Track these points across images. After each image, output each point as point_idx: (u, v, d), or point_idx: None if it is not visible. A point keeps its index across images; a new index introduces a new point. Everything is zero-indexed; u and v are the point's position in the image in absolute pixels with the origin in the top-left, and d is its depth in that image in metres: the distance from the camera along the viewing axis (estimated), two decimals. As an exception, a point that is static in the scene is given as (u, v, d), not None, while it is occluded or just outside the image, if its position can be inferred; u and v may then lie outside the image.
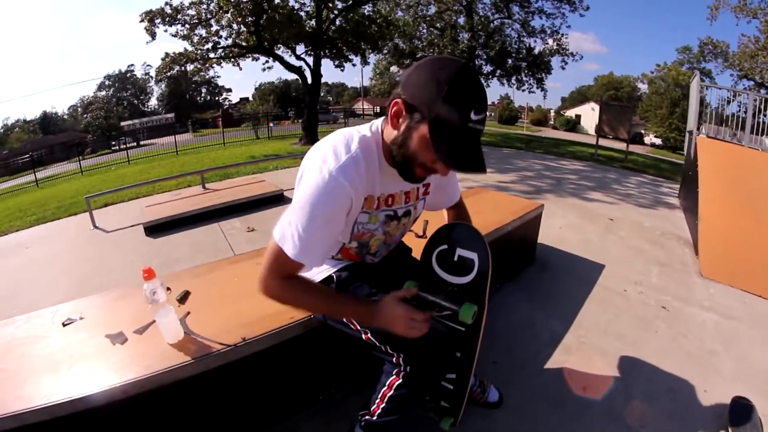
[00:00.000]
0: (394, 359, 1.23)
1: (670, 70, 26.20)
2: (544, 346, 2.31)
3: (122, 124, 37.66)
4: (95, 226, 5.18)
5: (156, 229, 4.61)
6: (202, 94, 53.30)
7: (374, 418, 1.33)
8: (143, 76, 48.06)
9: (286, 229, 1.06)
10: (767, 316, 2.75)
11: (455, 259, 1.30)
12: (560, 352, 2.26)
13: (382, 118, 1.15)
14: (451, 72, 0.94)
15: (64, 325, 1.53)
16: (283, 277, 1.10)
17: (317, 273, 1.37)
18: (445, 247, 1.32)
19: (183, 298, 1.70)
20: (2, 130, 46.54)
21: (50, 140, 38.46)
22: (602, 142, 11.90)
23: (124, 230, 4.89)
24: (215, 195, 5.51)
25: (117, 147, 27.94)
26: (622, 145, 11.69)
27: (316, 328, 1.50)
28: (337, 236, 1.17)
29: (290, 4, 12.92)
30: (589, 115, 30.86)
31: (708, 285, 3.17)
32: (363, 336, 1.28)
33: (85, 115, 43.60)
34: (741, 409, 1.82)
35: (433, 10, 17.99)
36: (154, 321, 1.44)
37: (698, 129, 6.24)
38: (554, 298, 2.86)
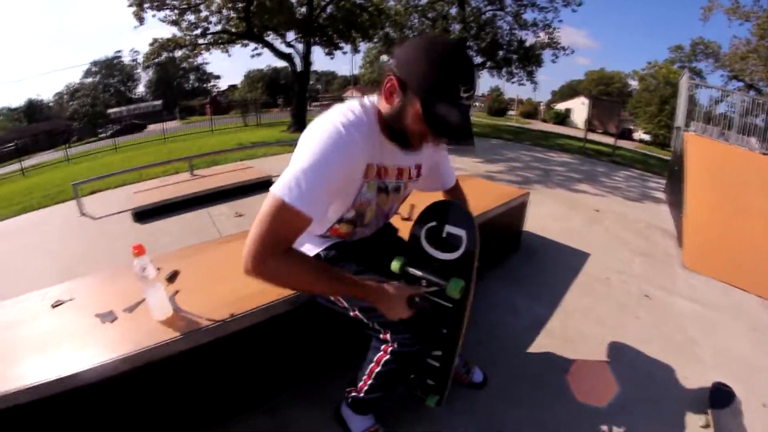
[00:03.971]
0: (381, 335, 1.27)
1: (661, 68, 26.38)
2: (527, 329, 2.37)
3: (109, 111, 36.98)
4: (83, 213, 5.12)
5: (144, 215, 4.59)
6: (191, 81, 52.15)
7: (361, 394, 1.37)
8: (131, 63, 46.95)
9: (287, 176, 1.00)
10: (747, 308, 2.84)
11: (444, 235, 1.33)
12: (543, 336, 2.32)
13: (374, 95, 1.16)
14: (443, 51, 0.99)
15: (53, 306, 1.53)
16: (278, 242, 1.00)
17: (304, 250, 1.38)
18: (434, 223, 1.35)
19: (172, 277, 1.71)
20: None
21: (36, 128, 37.61)
22: (592, 136, 12.02)
23: (112, 216, 4.85)
24: (203, 181, 5.50)
25: (104, 134, 27.55)
26: (611, 140, 11.77)
27: (304, 304, 1.52)
28: (338, 197, 1.16)
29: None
30: (579, 109, 31.04)
31: (690, 276, 3.26)
32: (351, 313, 1.31)
33: (71, 103, 42.79)
34: (721, 395, 1.87)
35: (425, 0, 17.89)
36: (144, 299, 1.44)
37: (686, 126, 6.34)
38: (538, 284, 2.91)
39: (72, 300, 1.56)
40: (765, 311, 2.82)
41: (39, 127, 37.51)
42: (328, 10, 14.05)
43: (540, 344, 2.25)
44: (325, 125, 1.04)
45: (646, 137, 29.29)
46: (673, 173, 5.82)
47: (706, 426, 1.75)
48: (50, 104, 47.54)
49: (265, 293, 1.52)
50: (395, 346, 1.25)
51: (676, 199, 4.79)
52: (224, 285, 1.61)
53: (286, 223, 0.99)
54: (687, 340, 2.40)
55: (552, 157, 9.55)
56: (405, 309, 1.15)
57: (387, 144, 1.16)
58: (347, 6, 13.99)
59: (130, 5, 11.79)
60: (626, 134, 28.27)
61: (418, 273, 1.27)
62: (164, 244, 3.78)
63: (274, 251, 0.99)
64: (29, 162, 18.45)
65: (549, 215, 4.56)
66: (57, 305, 1.53)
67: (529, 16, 18.23)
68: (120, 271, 1.76)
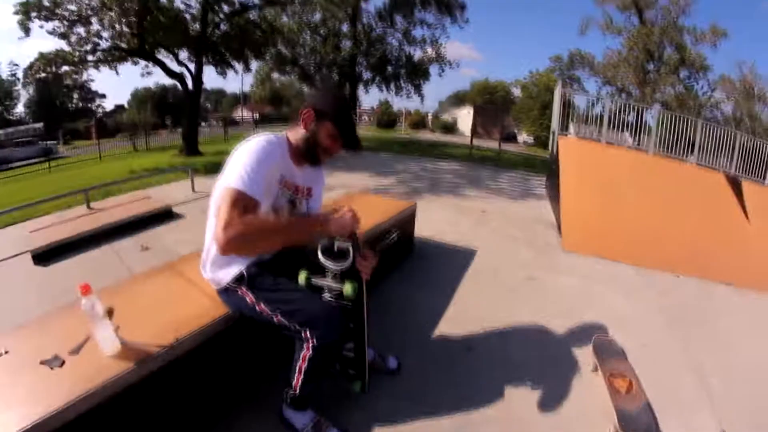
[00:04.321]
0: (303, 334, 1.55)
1: (542, 77, 29.11)
2: (429, 319, 2.75)
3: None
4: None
5: (45, 256, 4.31)
6: (74, 101, 46.56)
7: (297, 391, 1.64)
8: (9, 78, 40.32)
9: (235, 174, 1.41)
10: (619, 275, 3.53)
11: (335, 249, 1.65)
12: (444, 323, 2.72)
13: (284, 131, 1.70)
14: (340, 96, 1.81)
15: None
16: (241, 213, 1.33)
17: (229, 271, 1.65)
18: (325, 242, 1.66)
19: (109, 313, 1.77)
20: None
21: None
22: (479, 142, 13.02)
23: (10, 260, 4.51)
24: (102, 215, 5.24)
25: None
26: (497, 145, 12.85)
27: (238, 320, 1.75)
28: (269, 182, 1.53)
29: (176, 5, 12.32)
30: (465, 118, 32.72)
31: (569, 257, 3.92)
32: (275, 319, 1.59)
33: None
34: (601, 343, 2.41)
35: (318, 16, 18.21)
36: (88, 338, 1.50)
37: (562, 129, 7.25)
38: (433, 281, 3.32)
39: (6, 353, 1.50)
40: (638, 276, 3.53)
41: None
42: (222, 27, 13.81)
43: (442, 330, 2.64)
44: (255, 142, 1.51)
45: (530, 140, 31.97)
46: (552, 172, 6.69)
47: (595, 369, 2.25)
48: None
49: (201, 316, 1.71)
50: (315, 341, 1.52)
51: (554, 194, 5.59)
52: (161, 315, 1.73)
53: (240, 201, 1.36)
54: (572, 308, 2.91)
55: (440, 166, 10.21)
56: (349, 223, 1.55)
57: (292, 165, 1.67)
58: (241, 23, 13.85)
59: (16, 12, 10.59)
60: (511, 138, 30.63)
61: (320, 282, 1.66)
62: (71, 285, 3.62)
63: (238, 226, 1.31)
64: None
65: (439, 221, 5.02)
66: None
67: (418, 32, 19.19)
68: (50, 316, 1.76)
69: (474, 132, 12.29)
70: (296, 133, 1.67)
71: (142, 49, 12.25)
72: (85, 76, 12.97)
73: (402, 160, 11.00)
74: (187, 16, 12.88)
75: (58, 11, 11.01)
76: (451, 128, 36.64)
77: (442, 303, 2.97)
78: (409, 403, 2.00)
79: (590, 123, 7.76)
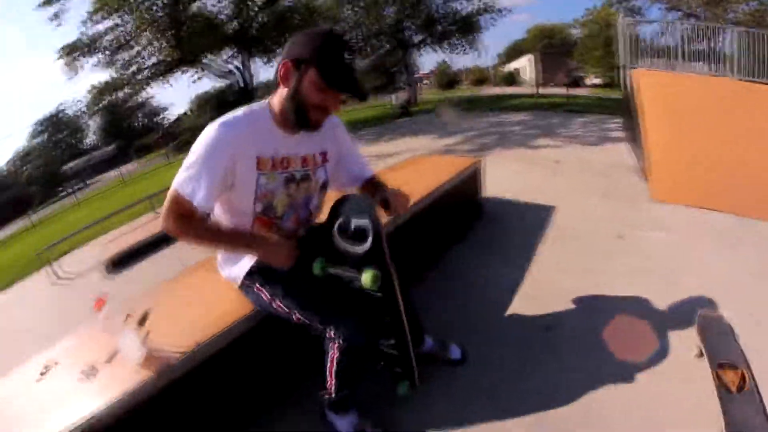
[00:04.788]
0: (327, 334, 1.31)
1: (600, 13, 26.79)
2: (501, 295, 2.32)
3: (64, 168, 35.81)
4: (58, 278, 5.06)
5: (116, 264, 4.53)
6: (140, 119, 50.74)
7: (333, 395, 1.40)
8: (75, 114, 45.37)
9: (178, 174, 1.26)
10: (720, 227, 2.86)
11: (352, 228, 1.35)
12: (519, 299, 2.27)
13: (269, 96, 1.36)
14: (323, 31, 1.25)
15: (42, 374, 1.55)
16: (177, 216, 1.26)
17: (240, 266, 1.47)
18: (341, 219, 1.37)
19: (143, 319, 1.70)
20: None
21: None
22: (544, 90, 12.15)
23: (86, 273, 4.78)
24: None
25: (64, 192, 26.81)
26: (564, 92, 11.93)
27: (265, 318, 1.53)
28: (221, 178, 1.26)
29: (207, 10, 12.59)
30: (527, 67, 31.24)
31: (660, 207, 3.29)
32: (293, 318, 1.36)
33: (24, 168, 41.30)
34: (708, 321, 1.85)
35: (354, -12, 17.76)
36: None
37: (631, 63, 6.44)
38: (506, 248, 2.88)
39: (57, 364, 1.59)
40: (741, 227, 2.83)
41: (-2, 199, 36.23)
42: (260, 18, 13.87)
43: (516, 308, 2.21)
44: (206, 130, 1.25)
45: (598, 81, 29.78)
46: (627, 111, 5.93)
47: (700, 355, 1.72)
48: (4, 174, 45.78)
49: (225, 316, 1.54)
50: (341, 342, 1.29)
51: (634, 135, 4.88)
52: (190, 316, 1.64)
53: (177, 201, 1.25)
54: (668, 271, 2.36)
55: (507, 118, 9.61)
56: (286, 259, 1.32)
57: (283, 135, 1.34)
58: (277, 11, 13.84)
59: (60, 57, 11.48)
60: (578, 82, 28.62)
61: (338, 272, 1.34)
62: (138, 288, 3.72)
63: (176, 218, 1.26)
64: (-2, 236, 17.92)
65: (509, 176, 4.58)
66: (45, 372, 1.55)
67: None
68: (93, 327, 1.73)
69: (538, 80, 11.41)
70: (279, 96, 1.30)
71: (184, 59, 12.68)
72: (144, 95, 13.69)
73: (466, 118, 10.40)
74: (222, 17, 13.07)
75: (97, 45, 11.76)
76: (513, 80, 35.02)
77: (516, 275, 2.52)
78: (472, 402, 1.66)
79: (660, 56, 6.79)
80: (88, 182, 29.49)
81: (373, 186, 1.57)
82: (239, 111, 1.30)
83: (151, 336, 1.54)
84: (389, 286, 1.37)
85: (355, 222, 1.33)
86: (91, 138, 47.93)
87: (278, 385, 1.79)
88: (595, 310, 2.11)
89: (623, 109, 6.60)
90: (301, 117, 1.26)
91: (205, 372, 1.49)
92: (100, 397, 1.31)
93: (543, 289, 2.33)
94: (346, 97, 1.30)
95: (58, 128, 45.73)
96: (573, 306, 2.17)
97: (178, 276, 2.14)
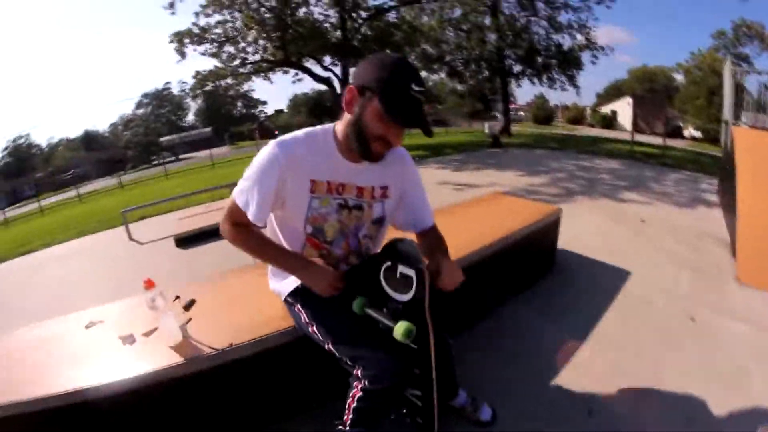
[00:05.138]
0: (354, 371, 1.27)
1: (705, 58, 24.96)
2: (551, 363, 2.14)
3: (161, 139, 39.06)
4: (131, 239, 5.43)
5: (186, 241, 4.80)
6: (238, 108, 54.37)
7: (346, 428, 1.35)
8: (180, 93, 49.50)
9: (238, 182, 1.32)
10: None
11: (398, 276, 1.28)
12: (569, 370, 2.09)
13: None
14: (393, 59, 1.20)
15: (86, 327, 1.71)
16: (233, 223, 1.35)
17: (286, 283, 1.50)
18: (389, 263, 1.31)
19: (188, 305, 1.78)
20: (47, 149, 49.32)
21: (92, 157, 40.59)
22: (640, 137, 11.46)
23: (157, 242, 5.11)
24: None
25: (157, 161, 29.07)
26: (660, 140, 11.18)
27: (300, 338, 1.53)
28: (273, 195, 1.28)
29: (314, 16, 13.20)
30: (625, 110, 29.67)
31: (745, 292, 2.88)
32: (326, 347, 1.34)
33: (125, 133, 45.81)
34: None
35: (458, 12, 17.92)
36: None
37: (735, 118, 5.89)
38: (570, 309, 2.67)
39: (102, 322, 1.75)
40: None
41: (95, 156, 40.58)
42: (363, 31, 14.32)
43: (564, 378, 2.03)
44: (264, 148, 1.28)
45: (698, 134, 27.62)
46: (725, 172, 5.40)
47: None
48: (105, 134, 50.97)
49: (266, 324, 1.58)
50: (365, 383, 1.24)
51: (729, 201, 4.40)
52: (232, 315, 1.69)
53: (233, 210, 1.34)
54: (737, 370, 2.07)
55: (598, 164, 9.14)
56: (327, 288, 1.33)
57: (343, 160, 1.31)
58: (381, 26, 14.21)
59: (171, 42, 12.57)
60: (676, 132, 26.71)
61: (374, 314, 1.29)
62: (201, 269, 3.91)
63: (231, 225, 1.36)
64: (86, 189, 19.77)
65: (590, 229, 4.30)
66: (90, 326, 1.73)
67: (563, 18, 17.84)
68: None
69: (635, 126, 10.79)
70: (343, 122, 1.27)
71: (287, 60, 13.40)
72: (246, 87, 14.59)
73: (557, 158, 10.07)
74: (327, 25, 13.70)
75: (206, 36, 12.79)
76: (610, 122, 33.55)
77: (572, 343, 2.31)
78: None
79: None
80: (180, 157, 31.76)
81: (430, 242, 1.47)
82: (301, 132, 1.31)
83: (191, 324, 1.65)
84: (424, 340, 1.29)
85: (401, 269, 1.26)
86: (190, 117, 52.36)
87: (298, 400, 1.79)
88: (645, 404, 1.88)
89: (722, 170, 6.01)
90: (362, 146, 1.23)
91: (231, 373, 1.52)
92: (130, 365, 1.42)
93: (596, 366, 2.11)
94: (409, 129, 1.23)
95: (161, 103, 50.37)
96: (623, 393, 1.94)
97: (232, 272, 2.22)
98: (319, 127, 1.33)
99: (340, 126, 1.29)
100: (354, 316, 1.33)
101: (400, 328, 1.19)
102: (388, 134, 1.20)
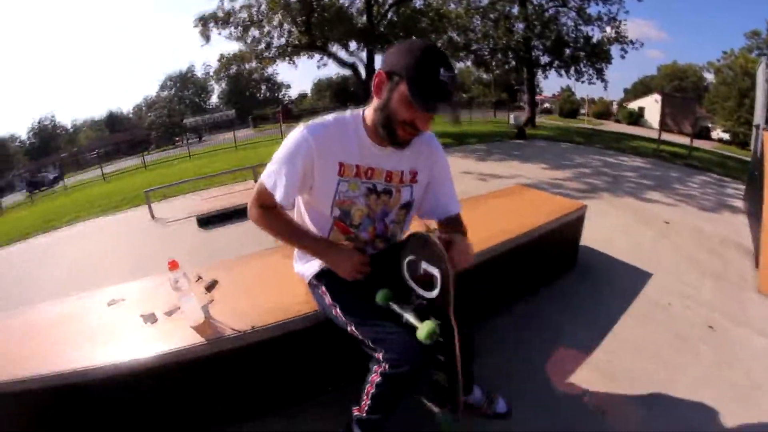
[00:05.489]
0: (375, 354, 1.27)
1: (737, 58, 24.00)
2: (566, 362, 2.13)
3: (185, 121, 39.52)
4: (153, 218, 5.55)
5: (208, 221, 4.90)
6: (262, 91, 54.52)
7: (363, 414, 1.35)
8: (204, 75, 49.95)
9: (267, 165, 1.36)
10: None
11: (421, 272, 1.28)
12: (585, 368, 2.09)
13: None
14: (422, 45, 1.18)
15: (108, 305, 1.77)
16: (260, 205, 1.39)
17: (311, 265, 1.52)
18: (413, 257, 1.30)
19: (210, 286, 1.83)
20: (72, 129, 50.86)
21: (116, 137, 41.51)
22: (667, 136, 11.16)
23: (179, 222, 5.21)
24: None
25: (180, 143, 29.43)
26: (687, 140, 10.89)
27: (322, 322, 1.55)
28: (300, 179, 1.31)
29: (339, 1, 13.09)
30: (652, 107, 28.86)
31: (765, 303, 2.81)
32: (348, 329, 1.35)
33: (149, 114, 46.53)
34: None
35: (486, 1, 17.51)
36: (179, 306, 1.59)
37: (766, 123, 5.68)
38: (590, 308, 2.65)
39: (123, 300, 1.79)
40: None
41: (119, 137, 41.57)
42: (389, 17, 14.17)
43: (579, 378, 2.02)
44: (292, 132, 1.31)
45: (726, 136, 26.72)
46: (753, 178, 5.21)
47: None
48: (129, 115, 52.05)
49: (288, 308, 1.59)
50: (386, 367, 1.24)
51: (756, 209, 4.27)
52: (254, 298, 1.71)
53: (261, 193, 1.37)
54: (752, 385, 2.02)
55: (623, 161, 8.97)
56: (351, 271, 1.37)
57: (373, 147, 1.34)
58: (407, 12, 14.04)
59: (195, 26, 12.63)
60: (704, 133, 25.86)
61: (398, 310, 1.30)
62: (221, 249, 3.98)
63: (258, 208, 1.40)
64: (110, 168, 20.18)
65: (614, 228, 4.22)
66: (111, 304, 1.76)
67: (593, 10, 17.33)
68: (167, 278, 1.88)
69: (662, 124, 10.50)
70: (372, 106, 1.29)
71: (312, 44, 13.35)
72: (270, 70, 14.63)
73: (582, 153, 9.93)
74: (353, 11, 13.60)
75: (231, 20, 12.79)
76: (637, 119, 32.74)
77: (592, 341, 2.31)
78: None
79: None
80: (203, 138, 32.09)
81: (451, 226, 1.49)
82: (330, 116, 1.33)
83: (213, 305, 1.67)
84: (449, 335, 1.30)
85: (425, 266, 1.26)
86: (214, 100, 52.82)
87: (317, 384, 1.81)
88: (658, 403, 1.88)
89: (750, 175, 5.82)
90: (388, 131, 1.24)
91: (251, 355, 1.55)
92: (150, 343, 1.46)
93: (611, 367, 2.10)
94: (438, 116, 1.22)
95: (185, 85, 50.90)
96: (636, 396, 1.93)
97: (254, 254, 2.25)
98: (348, 111, 1.35)
99: (368, 111, 1.30)
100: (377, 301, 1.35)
101: (423, 330, 1.20)
102: (415, 119, 1.20)
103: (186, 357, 1.43)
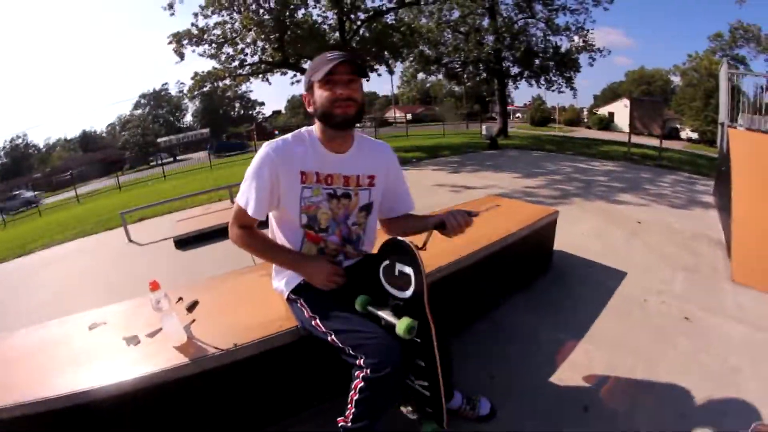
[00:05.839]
0: (357, 361, 1.30)
1: (702, 60, 25.05)
2: (549, 360, 2.18)
3: (159, 140, 39.05)
4: (130, 240, 5.45)
5: (185, 242, 4.82)
6: (236, 109, 54.38)
7: (348, 424, 1.35)
8: (177, 94, 49.34)
9: (240, 188, 1.48)
10: None
11: (396, 273, 1.34)
12: (565, 368, 2.12)
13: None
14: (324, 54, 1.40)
15: (89, 329, 1.74)
16: (239, 225, 1.51)
17: (289, 280, 1.58)
18: (387, 262, 1.37)
19: (191, 307, 1.81)
20: (44, 149, 49.59)
21: (90, 157, 40.60)
22: (637, 139, 11.48)
23: (156, 244, 5.13)
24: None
25: (154, 162, 29.00)
26: (657, 142, 11.23)
27: (304, 337, 1.57)
28: (269, 190, 1.44)
29: (312, 18, 13.19)
30: (622, 112, 29.83)
31: (739, 292, 2.91)
32: (329, 338, 1.38)
33: (122, 133, 45.87)
34: None
35: (456, 14, 17.92)
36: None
37: (732, 120, 5.90)
38: (566, 309, 2.71)
39: (105, 324, 1.77)
40: None
41: (93, 157, 40.56)
42: (361, 32, 14.32)
43: (560, 377, 2.06)
44: (258, 151, 1.45)
45: (694, 135, 27.70)
46: (721, 174, 5.40)
47: None
48: (103, 135, 51.03)
49: (268, 325, 1.60)
50: (368, 372, 1.26)
51: (725, 202, 4.41)
52: (235, 316, 1.72)
53: (238, 212, 1.49)
54: (730, 369, 2.10)
55: (594, 166, 9.21)
56: (325, 280, 1.47)
57: (329, 154, 1.49)
58: (379, 28, 14.22)
59: (170, 43, 12.54)
60: (673, 134, 26.80)
61: (375, 312, 1.36)
62: (200, 271, 3.92)
63: (237, 228, 1.52)
64: (84, 189, 19.71)
65: (586, 232, 4.31)
66: (93, 327, 1.75)
67: (561, 20, 17.91)
68: (148, 300, 1.85)
69: (632, 128, 10.80)
70: (315, 121, 1.49)
71: (285, 61, 13.44)
72: (243, 88, 14.56)
73: (554, 160, 10.19)
74: (325, 27, 13.73)
75: (205, 37, 12.80)
76: (607, 124, 33.64)
77: (568, 342, 2.35)
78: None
79: (763, 112, 6.00)
80: (177, 158, 31.70)
81: (415, 216, 1.67)
82: (289, 135, 1.49)
83: (194, 325, 1.67)
84: (427, 335, 1.34)
85: (399, 267, 1.33)
86: (188, 118, 52.34)
87: (299, 400, 1.81)
88: (640, 394, 1.93)
89: (717, 171, 6.03)
90: (328, 117, 1.39)
91: (235, 372, 1.55)
92: (135, 365, 1.45)
93: (592, 363, 2.15)
94: (348, 74, 1.36)
95: (159, 104, 50.32)
96: (618, 389, 1.98)
97: (233, 273, 2.26)
98: (303, 128, 1.51)
99: (315, 125, 1.49)
100: (356, 309, 1.40)
101: (402, 325, 1.26)
102: (333, 90, 1.36)
103: (170, 377, 1.43)
